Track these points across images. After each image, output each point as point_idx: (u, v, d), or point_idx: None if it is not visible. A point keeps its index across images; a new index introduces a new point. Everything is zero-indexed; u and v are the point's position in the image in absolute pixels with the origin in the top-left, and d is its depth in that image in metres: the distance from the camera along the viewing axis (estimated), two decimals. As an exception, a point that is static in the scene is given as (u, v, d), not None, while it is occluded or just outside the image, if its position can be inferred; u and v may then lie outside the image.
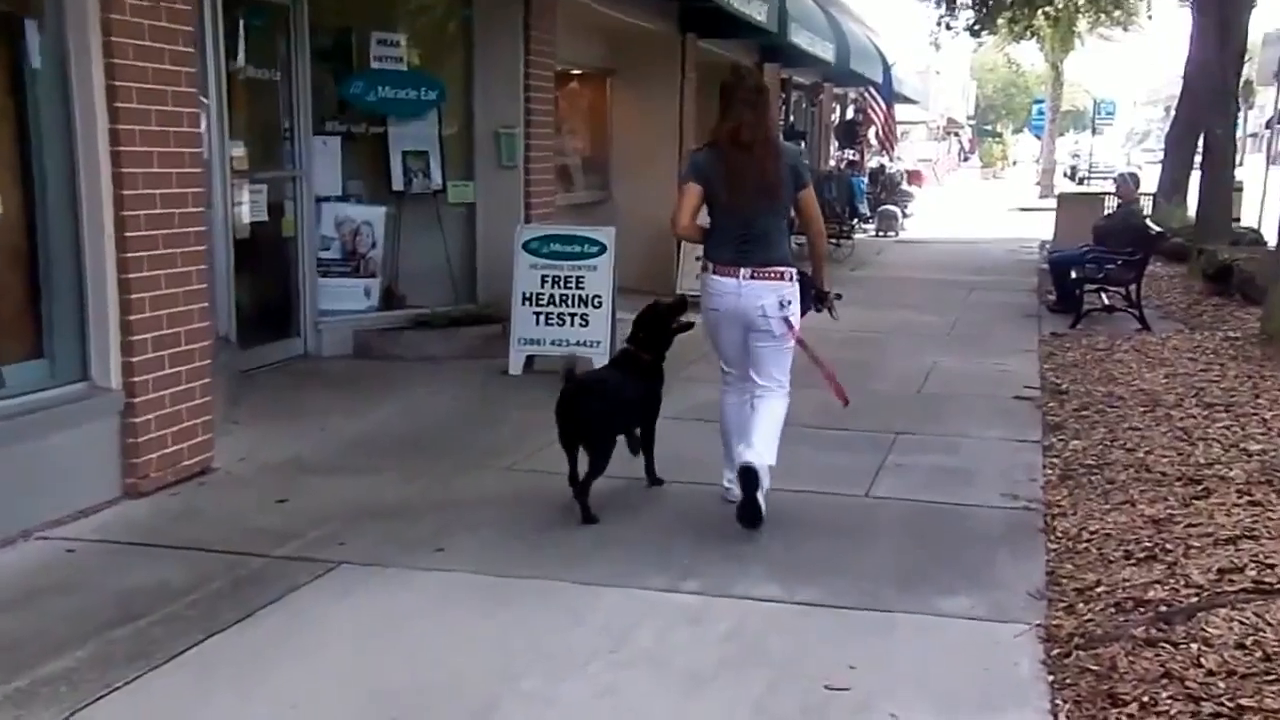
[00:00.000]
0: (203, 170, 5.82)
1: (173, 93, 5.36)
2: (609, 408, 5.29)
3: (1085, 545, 4.71)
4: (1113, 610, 3.97)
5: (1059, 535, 4.90)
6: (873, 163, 25.31)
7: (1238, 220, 16.88)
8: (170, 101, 5.35)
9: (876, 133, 23.73)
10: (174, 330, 5.53)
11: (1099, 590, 4.17)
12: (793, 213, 5.29)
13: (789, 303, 5.07)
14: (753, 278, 5.02)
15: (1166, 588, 4.07)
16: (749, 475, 4.88)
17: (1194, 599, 3.92)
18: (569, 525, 5.05)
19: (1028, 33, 30.90)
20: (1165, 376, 8.09)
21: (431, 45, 9.79)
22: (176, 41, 5.37)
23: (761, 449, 4.96)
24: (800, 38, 14.26)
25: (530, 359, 8.44)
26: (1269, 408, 6.91)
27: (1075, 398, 7.59)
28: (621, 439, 5.42)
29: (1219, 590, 3.95)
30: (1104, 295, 11.59)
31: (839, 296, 5.57)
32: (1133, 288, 11.17)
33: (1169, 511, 4.97)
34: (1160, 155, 21.96)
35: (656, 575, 4.45)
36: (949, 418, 7.19)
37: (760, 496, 4.91)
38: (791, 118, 20.54)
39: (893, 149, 25.78)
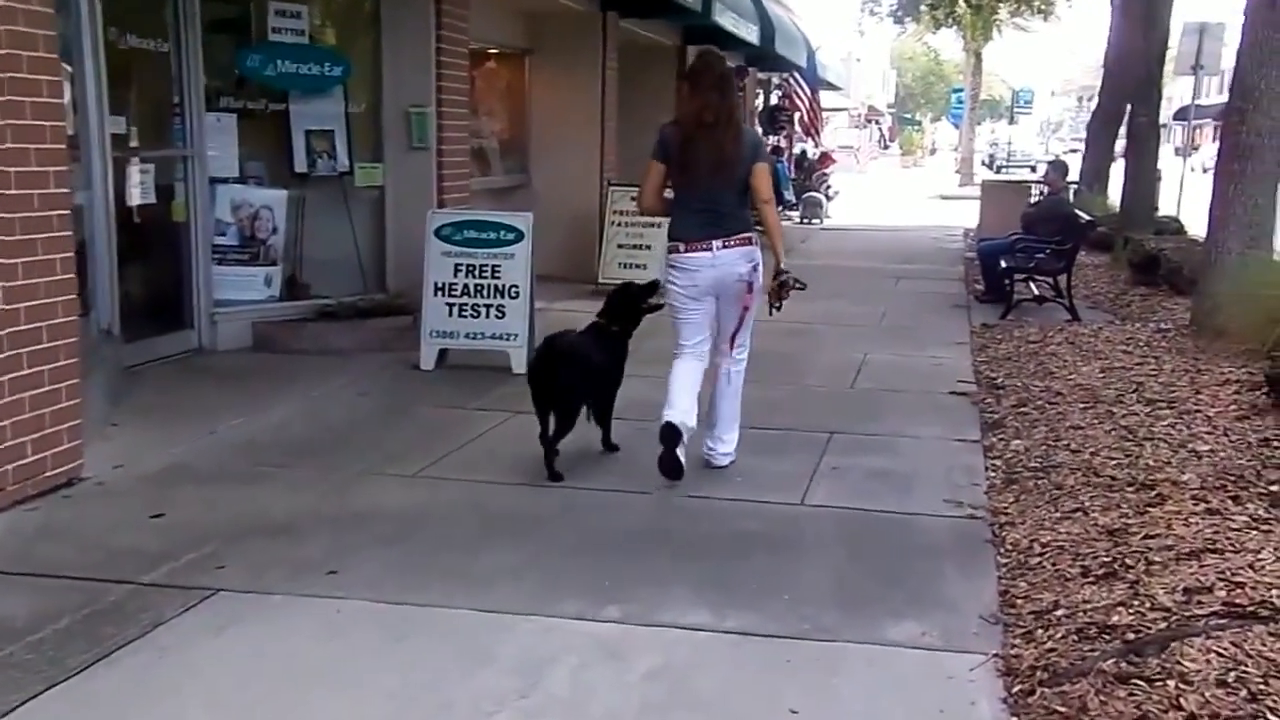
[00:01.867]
0: (66, 147, 5.21)
1: (29, 58, 4.77)
2: (581, 372, 5.51)
3: (1038, 560, 4.36)
4: (1075, 638, 3.60)
5: (1009, 548, 4.55)
6: (796, 149, 25.03)
7: (1156, 209, 16.87)
8: (26, 68, 4.75)
9: (801, 119, 23.42)
10: (34, 325, 4.94)
11: (1058, 614, 3.81)
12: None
13: (757, 265, 5.42)
14: (724, 247, 5.34)
15: (1131, 611, 3.71)
16: (672, 433, 5.28)
17: (1163, 624, 3.57)
18: (478, 542, 4.58)
19: (949, 20, 30.88)
20: (1102, 370, 7.83)
21: (336, 18, 9.23)
22: (32, 0, 4.77)
23: (727, 431, 5.59)
24: (725, 19, 13.86)
25: (443, 353, 7.94)
26: (1211, 404, 6.66)
27: (1012, 393, 7.29)
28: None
29: (1189, 614, 3.60)
30: (1033, 285, 11.38)
31: (801, 285, 5.62)
32: (1062, 278, 10.96)
33: (1123, 521, 4.64)
34: (1073, 144, 22.08)
35: (573, 600, 4.00)
36: (884, 415, 6.83)
37: (724, 460, 5.57)
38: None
39: (818, 135, 25.53)
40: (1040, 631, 3.70)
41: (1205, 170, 30.73)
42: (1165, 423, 6.26)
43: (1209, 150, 44.23)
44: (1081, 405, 6.81)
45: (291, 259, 8.74)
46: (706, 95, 5.32)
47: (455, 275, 7.92)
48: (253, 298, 8.41)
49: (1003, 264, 11.16)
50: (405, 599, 3.98)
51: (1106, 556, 4.25)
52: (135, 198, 7.41)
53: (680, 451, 5.29)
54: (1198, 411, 6.47)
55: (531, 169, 12.94)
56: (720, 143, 5.28)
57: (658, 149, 5.44)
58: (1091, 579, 4.08)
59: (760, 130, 23.54)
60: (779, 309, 5.57)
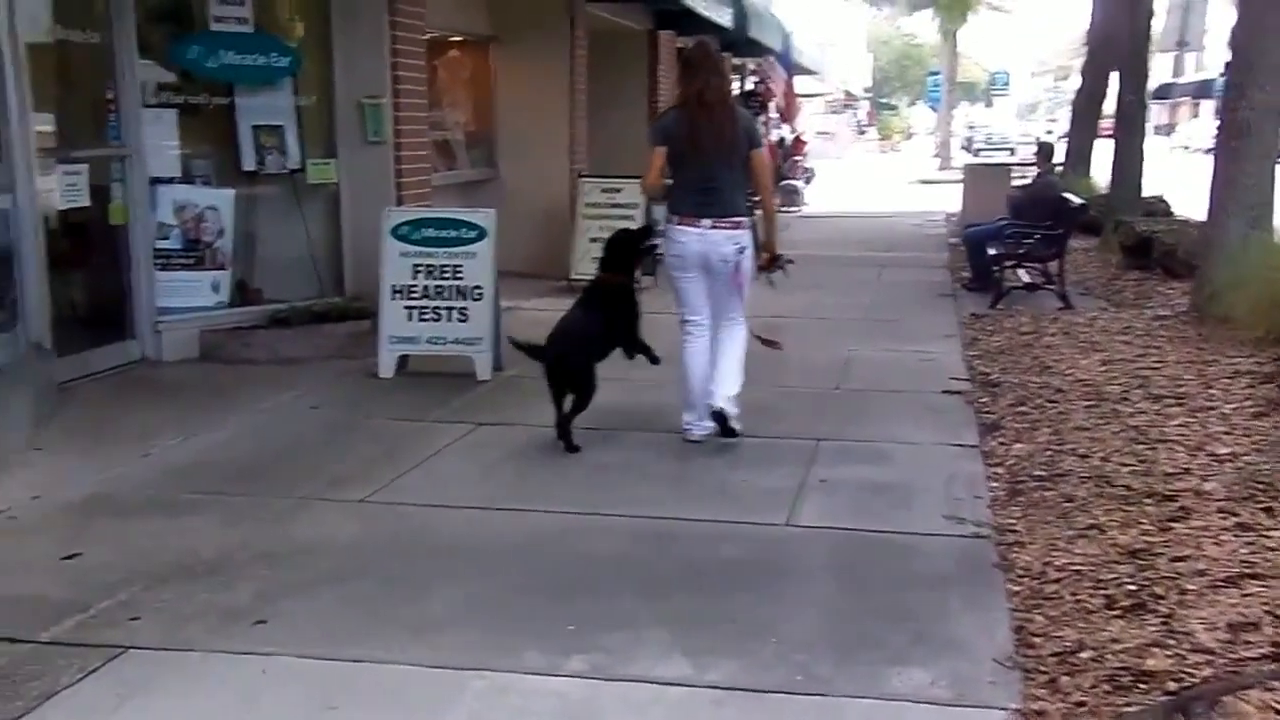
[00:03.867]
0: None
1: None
2: (584, 349, 5.75)
3: (1054, 587, 3.90)
4: (1107, 687, 3.15)
5: (1020, 573, 4.09)
6: (773, 136, 24.54)
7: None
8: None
9: (777, 104, 22.91)
10: (-70, 346, 4.43)
11: (1084, 655, 3.35)
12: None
13: (744, 249, 5.69)
14: (713, 227, 5.62)
15: (1169, 653, 3.27)
16: (721, 418, 5.71)
17: (1207, 670, 3.13)
18: (427, 578, 4.10)
19: (925, 1, 30.43)
20: (1102, 363, 7.39)
21: (282, 4, 8.66)
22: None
23: (729, 382, 5.75)
24: (697, 2, 13.34)
25: (404, 359, 7.44)
26: (1224, 399, 6.24)
27: (1009, 390, 6.85)
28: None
29: (1236, 657, 3.16)
30: (1022, 272, 10.93)
31: (790, 262, 6.00)
32: (1053, 264, 10.53)
33: (1145, 539, 4.20)
34: (1050, 126, 21.67)
35: (532, 649, 3.52)
36: (874, 418, 6.37)
37: (734, 425, 5.76)
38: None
39: (794, 121, 25.05)
40: (1065, 679, 3.24)
41: (1184, 149, 30.50)
42: (1177, 422, 5.83)
43: (1186, 130, 44.05)
44: (1085, 403, 6.38)
45: (241, 262, 8.21)
46: (706, 77, 5.63)
47: (414, 277, 7.41)
48: (199, 304, 7.89)
49: (990, 251, 10.72)
50: (341, 653, 3.49)
51: (1131, 583, 3.81)
52: (65, 201, 6.88)
53: (735, 423, 5.73)
54: (1211, 408, 6.05)
55: (499, 162, 12.41)
56: (719, 124, 5.59)
57: (658, 134, 5.74)
58: (1117, 611, 3.63)
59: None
60: (771, 284, 5.95)
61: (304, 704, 3.22)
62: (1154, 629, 3.44)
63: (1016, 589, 3.96)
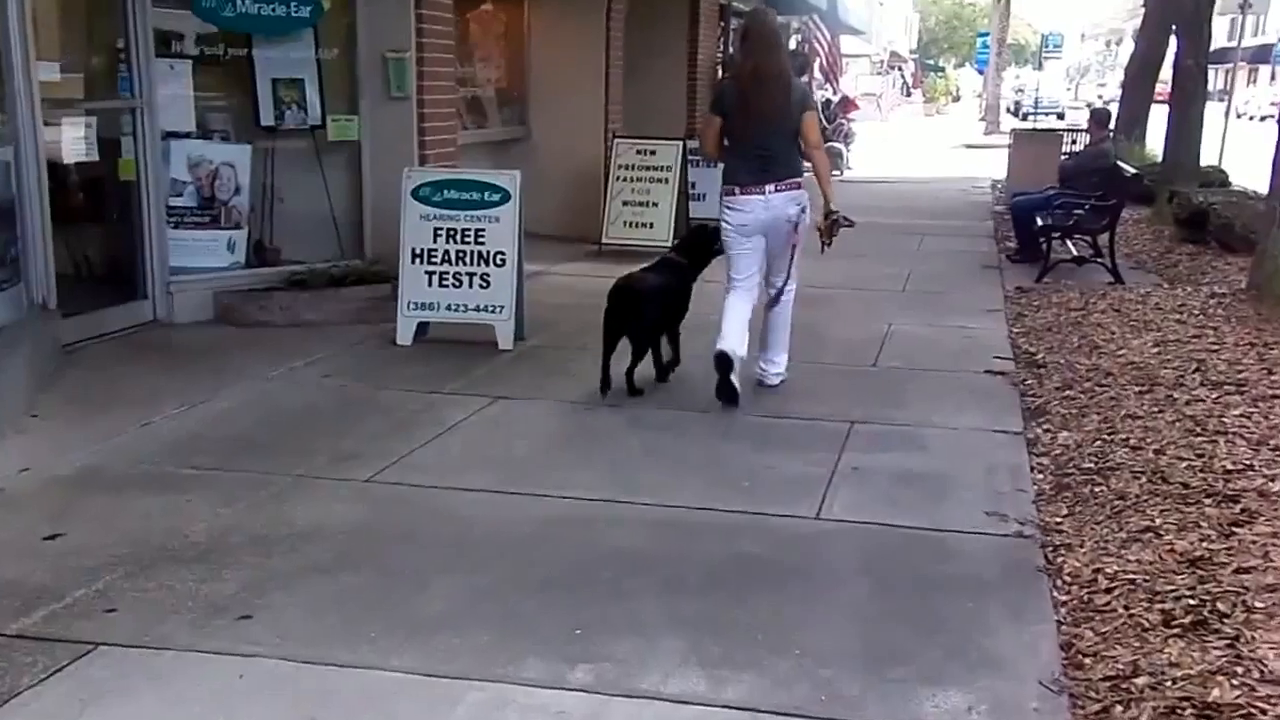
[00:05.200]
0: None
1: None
2: (660, 307, 6.01)
3: (1105, 599, 3.58)
4: (1166, 721, 2.83)
5: (1068, 579, 3.77)
6: (818, 96, 23.99)
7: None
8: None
9: (821, 65, 22.40)
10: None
11: (1140, 681, 3.03)
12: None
13: (805, 208, 5.95)
14: (776, 191, 5.87)
15: (1236, 682, 2.94)
16: (725, 362, 5.70)
17: (1280, 705, 2.80)
18: (429, 570, 3.82)
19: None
20: (1155, 345, 7.00)
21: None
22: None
23: (776, 362, 6.15)
24: (738, -43, 12.90)
25: (423, 326, 7.17)
26: (1287, 387, 5.84)
27: (1055, 372, 6.48)
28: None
29: (1313, 692, 2.83)
30: (1071, 244, 10.50)
31: (850, 223, 6.13)
32: (1103, 236, 10.08)
33: (1206, 546, 3.86)
34: (1099, 90, 20.98)
35: (535, 656, 3.24)
36: (912, 399, 6.04)
37: (775, 380, 6.13)
38: (732, 50, 19.13)
39: (837, 82, 24.49)
40: (1119, 709, 2.93)
41: (1240, 116, 29.67)
42: (1237, 412, 5.46)
43: (1243, 95, 42.88)
44: (1136, 388, 6.00)
45: (258, 222, 7.96)
46: (760, 53, 5.89)
47: (435, 241, 7.11)
48: (214, 265, 7.66)
49: (1038, 221, 10.29)
50: (327, 656, 3.23)
51: (1192, 597, 3.47)
52: (72, 155, 6.63)
53: (734, 378, 5.71)
54: (1274, 397, 5.66)
55: (531, 120, 12.08)
56: (773, 95, 5.81)
57: (715, 104, 6.08)
58: (1176, 629, 3.30)
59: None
60: (829, 244, 6.07)
61: (281, 717, 2.95)
62: (1218, 653, 3.11)
63: (1064, 598, 3.64)
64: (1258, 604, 3.35)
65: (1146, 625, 3.35)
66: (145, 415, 5.48)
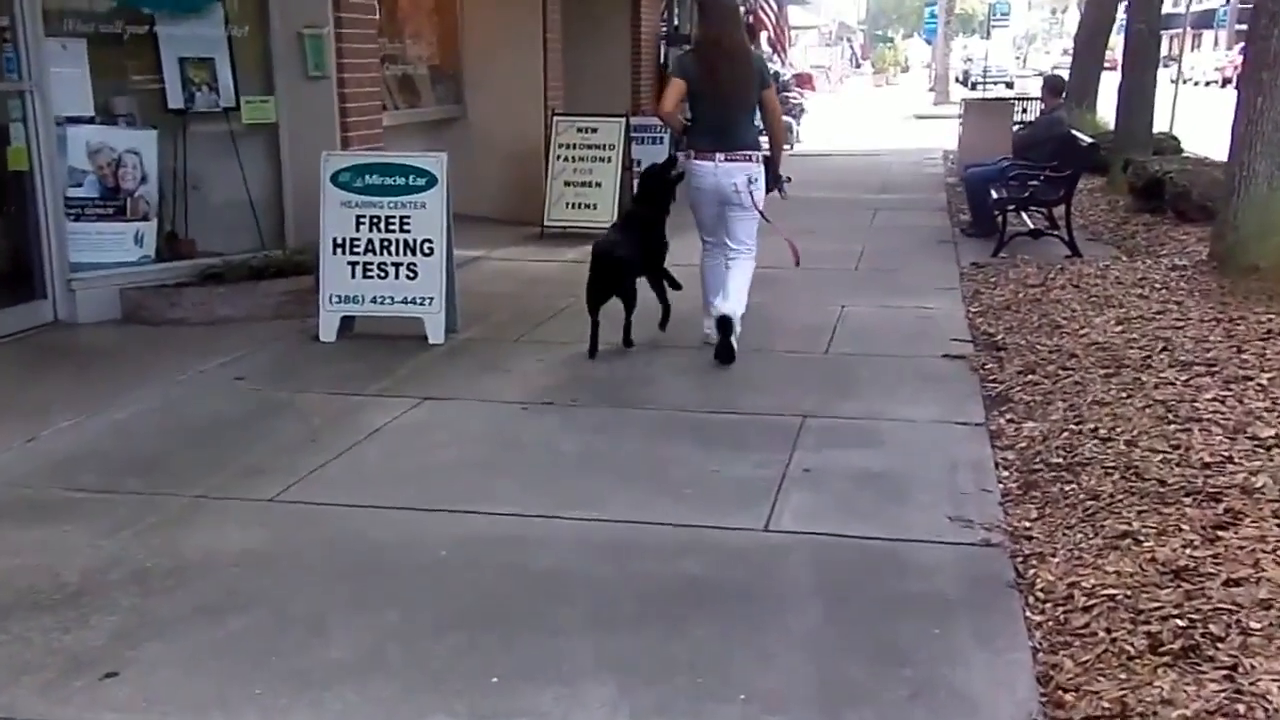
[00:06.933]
0: None
1: None
2: (637, 264, 6.32)
3: (1084, 619, 3.21)
4: (1163, 777, 2.47)
5: (1041, 596, 3.40)
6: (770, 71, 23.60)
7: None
8: None
9: (769, 38, 21.97)
10: None
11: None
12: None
13: (755, 180, 6.18)
14: (726, 160, 6.11)
15: (1237, 724, 2.59)
16: (726, 323, 5.99)
17: (1290, 754, 2.45)
18: (329, 609, 3.39)
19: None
20: (1118, 322, 6.68)
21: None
22: None
23: (735, 302, 6.10)
24: (680, -75, 12.43)
25: (349, 321, 6.71)
26: (1260, 367, 5.52)
27: (1016, 354, 6.15)
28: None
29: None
30: (1026, 216, 10.18)
31: (789, 180, 6.71)
32: (1060, 208, 9.77)
33: (1190, 554, 3.50)
34: (1044, 57, 20.74)
35: (443, 714, 2.83)
36: (867, 389, 5.67)
37: (733, 340, 6.02)
38: (676, 22, 18.65)
39: (785, 54, 24.08)
40: (1106, 758, 2.57)
41: (1185, 82, 29.58)
42: (1209, 395, 5.13)
43: (1188, 61, 42.95)
44: (1102, 370, 5.67)
45: (169, 212, 7.44)
46: (721, 25, 6.21)
47: (357, 229, 6.66)
48: (120, 259, 7.14)
49: (993, 194, 9.96)
50: (201, 722, 2.80)
51: (1180, 617, 3.11)
52: (-47, 145, 6.11)
53: (734, 339, 5.99)
54: (1246, 379, 5.34)
55: (466, 98, 11.59)
56: (734, 68, 6.09)
57: (679, 70, 6.27)
58: (1166, 657, 2.94)
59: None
60: (783, 196, 6.58)
61: (138, 801, 2.53)
62: (1215, 686, 2.75)
63: (1038, 618, 3.28)
64: (1253, 624, 3.00)
65: (1132, 652, 2.99)
66: (32, 429, 5.00)
